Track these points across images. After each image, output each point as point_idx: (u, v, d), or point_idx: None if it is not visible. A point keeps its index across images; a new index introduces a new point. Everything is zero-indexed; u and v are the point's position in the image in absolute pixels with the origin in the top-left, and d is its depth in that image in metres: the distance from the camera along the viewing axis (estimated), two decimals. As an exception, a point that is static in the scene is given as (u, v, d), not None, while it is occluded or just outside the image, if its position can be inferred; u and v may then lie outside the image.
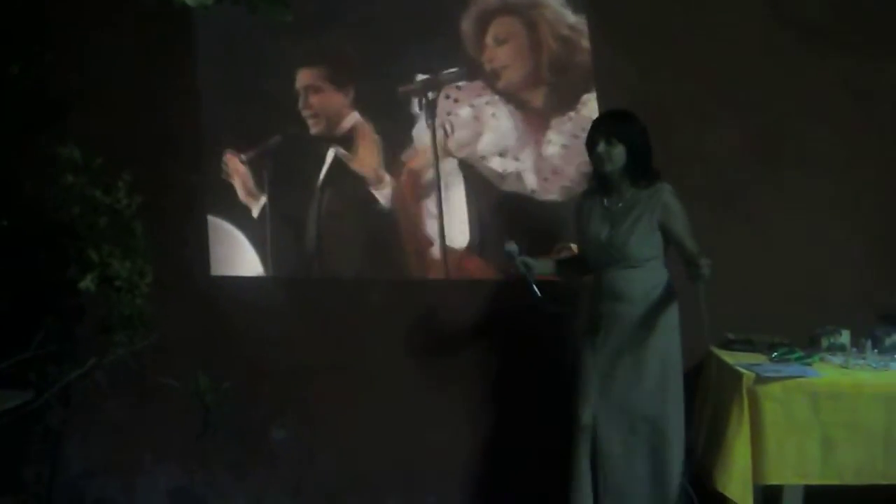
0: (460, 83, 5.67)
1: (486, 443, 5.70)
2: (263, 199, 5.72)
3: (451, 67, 5.67)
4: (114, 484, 5.76)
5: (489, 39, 5.67)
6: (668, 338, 4.82)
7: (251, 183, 5.71)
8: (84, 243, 4.67)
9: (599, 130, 4.85)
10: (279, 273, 5.77)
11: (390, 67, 5.69)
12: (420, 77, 5.68)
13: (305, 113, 5.73)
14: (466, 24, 5.67)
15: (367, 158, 5.71)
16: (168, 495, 5.78)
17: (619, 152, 4.79)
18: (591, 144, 4.88)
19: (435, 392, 5.67)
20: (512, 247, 4.89)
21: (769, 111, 5.54)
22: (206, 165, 5.74)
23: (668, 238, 4.81)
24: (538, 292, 4.87)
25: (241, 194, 5.72)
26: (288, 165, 5.75)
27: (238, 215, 5.75)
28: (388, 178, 5.70)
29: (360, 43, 5.69)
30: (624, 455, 4.81)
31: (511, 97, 5.68)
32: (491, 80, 5.68)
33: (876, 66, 5.49)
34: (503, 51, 5.68)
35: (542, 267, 4.98)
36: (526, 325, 5.47)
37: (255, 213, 5.73)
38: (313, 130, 5.73)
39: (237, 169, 5.71)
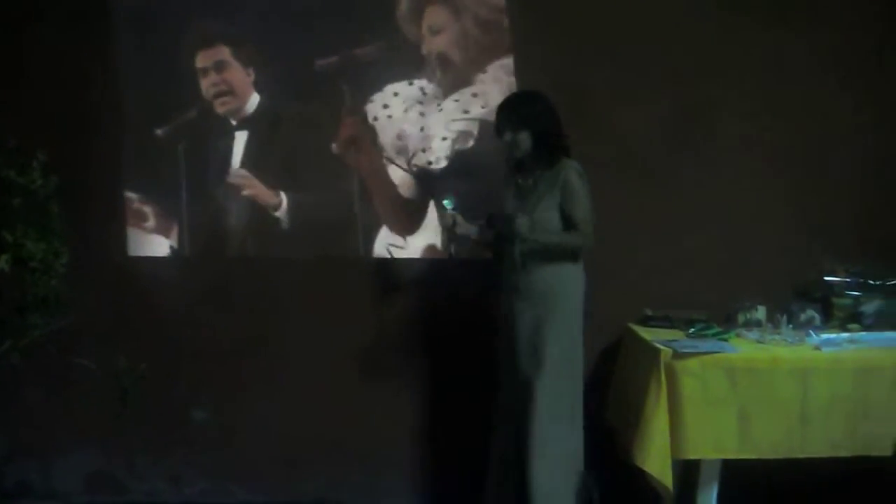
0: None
1: (411, 419, 5.71)
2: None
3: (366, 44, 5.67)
4: (32, 466, 5.72)
5: (425, 29, 5.67)
6: (568, 314, 4.90)
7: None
8: (-3, 224, 4.62)
9: (502, 119, 4.94)
10: (195, 252, 5.73)
11: (306, 45, 5.68)
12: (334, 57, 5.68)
13: (210, 91, 5.71)
14: (402, 9, 5.67)
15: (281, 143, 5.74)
16: (86, 477, 5.74)
17: (523, 138, 4.89)
18: (497, 132, 4.98)
19: (354, 370, 5.66)
20: (450, 199, 4.96)
21: (687, 87, 5.55)
22: (124, 143, 5.68)
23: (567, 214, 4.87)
24: (452, 249, 5.00)
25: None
26: (203, 142, 5.72)
27: (155, 193, 5.71)
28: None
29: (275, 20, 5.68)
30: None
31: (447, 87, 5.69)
32: (429, 67, 5.68)
33: (796, 38, 5.51)
34: (439, 40, 5.68)
35: (468, 228, 5.00)
36: (447, 300, 5.58)
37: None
38: (220, 108, 5.72)
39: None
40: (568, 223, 4.84)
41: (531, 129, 4.87)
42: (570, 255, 4.89)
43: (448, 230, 4.95)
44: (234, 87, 5.70)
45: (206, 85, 5.70)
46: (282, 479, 5.70)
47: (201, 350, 5.64)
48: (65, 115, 5.56)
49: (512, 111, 4.93)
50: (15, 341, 4.78)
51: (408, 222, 5.71)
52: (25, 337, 4.76)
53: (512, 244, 4.88)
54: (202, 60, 5.70)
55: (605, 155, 5.31)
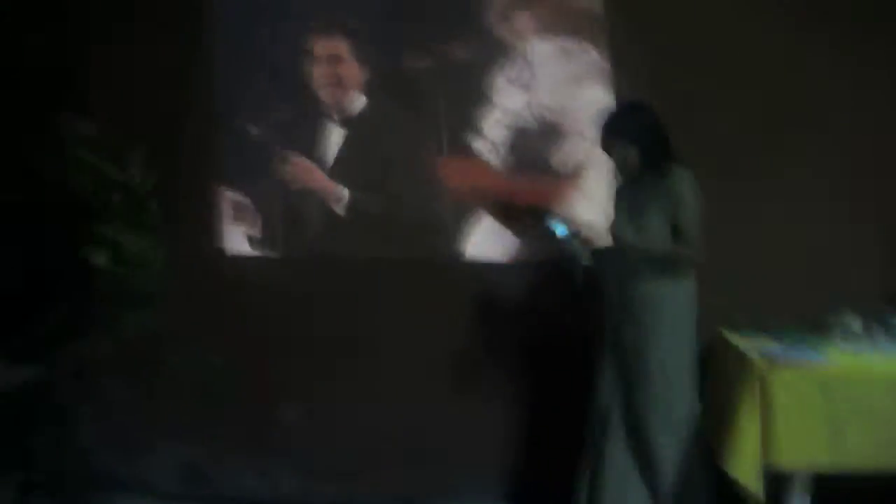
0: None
1: (500, 425, 5.72)
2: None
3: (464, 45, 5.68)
4: (123, 460, 5.78)
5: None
6: (677, 327, 4.87)
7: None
8: (97, 220, 4.69)
9: (607, 136, 4.87)
10: (289, 251, 5.79)
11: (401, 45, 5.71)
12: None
13: (322, 81, 5.73)
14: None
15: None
16: (178, 472, 5.81)
17: (631, 154, 4.81)
18: (604, 148, 4.91)
19: (446, 372, 5.69)
20: (563, 226, 4.90)
21: (772, 92, 5.51)
22: (222, 140, 5.75)
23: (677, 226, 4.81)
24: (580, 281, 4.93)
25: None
26: (297, 141, 5.76)
27: (252, 191, 5.77)
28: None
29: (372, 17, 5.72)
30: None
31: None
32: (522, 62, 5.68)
33: (878, 43, 5.46)
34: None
35: (581, 251, 4.96)
36: (545, 308, 5.56)
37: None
38: (327, 98, 5.74)
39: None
40: (677, 236, 4.78)
41: (639, 144, 4.79)
42: (678, 268, 4.83)
43: (570, 260, 4.90)
44: (345, 82, 5.72)
45: (318, 74, 5.74)
46: (370, 479, 5.74)
47: (293, 349, 5.69)
48: (161, 112, 5.59)
49: (616, 127, 4.85)
50: (110, 335, 4.86)
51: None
52: (121, 331, 4.84)
53: (620, 257, 4.88)
54: (317, 49, 5.73)
55: (697, 159, 5.27)
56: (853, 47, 5.45)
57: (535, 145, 5.67)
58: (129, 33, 5.62)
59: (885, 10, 5.45)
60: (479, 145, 5.66)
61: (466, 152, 5.66)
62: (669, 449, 4.83)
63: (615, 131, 4.84)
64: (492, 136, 5.66)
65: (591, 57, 5.61)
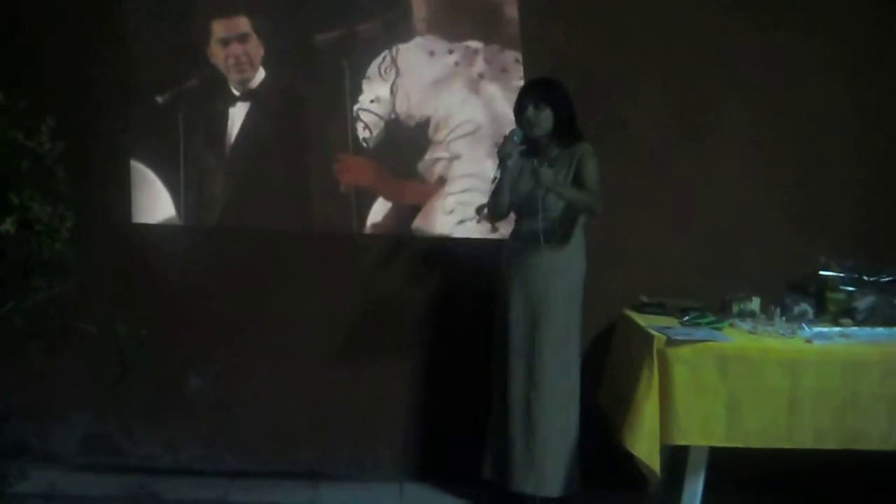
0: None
1: (405, 395, 5.78)
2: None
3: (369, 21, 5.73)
4: (29, 427, 5.76)
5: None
6: (568, 282, 5.06)
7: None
8: (5, 186, 4.65)
9: (528, 96, 5.09)
10: (195, 221, 5.79)
11: (306, 18, 5.73)
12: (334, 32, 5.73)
13: (229, 62, 5.73)
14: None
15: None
16: (82, 440, 5.81)
17: (545, 116, 5.04)
18: (519, 109, 5.09)
19: (351, 343, 5.73)
20: (519, 133, 5.04)
21: (691, 83, 5.61)
22: (131, 111, 5.72)
23: (576, 185, 5.00)
24: (498, 173, 5.00)
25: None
26: (203, 110, 5.77)
27: (157, 160, 5.75)
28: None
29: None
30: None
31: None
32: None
33: (796, 39, 5.58)
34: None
35: (515, 163, 5.10)
36: (441, 281, 5.65)
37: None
38: (235, 77, 5.75)
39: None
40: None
41: (554, 109, 5.03)
42: (578, 228, 5.05)
43: (506, 158, 4.97)
44: (252, 59, 5.74)
45: (225, 54, 5.74)
46: (275, 450, 5.78)
47: (200, 319, 5.71)
48: (73, 81, 5.61)
49: (539, 89, 5.08)
50: (17, 303, 4.82)
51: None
52: (28, 299, 4.80)
53: (533, 218, 5.01)
54: (223, 30, 5.73)
55: (608, 143, 5.35)
56: (770, 36, 5.61)
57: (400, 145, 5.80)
58: (43, 3, 5.58)
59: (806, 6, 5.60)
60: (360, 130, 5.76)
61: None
62: (554, 417, 5.02)
63: (534, 93, 5.08)
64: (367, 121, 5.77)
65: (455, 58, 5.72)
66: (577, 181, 5.00)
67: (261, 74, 5.75)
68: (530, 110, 5.04)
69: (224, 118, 5.76)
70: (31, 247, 4.70)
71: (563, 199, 4.97)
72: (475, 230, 5.68)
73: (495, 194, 5.14)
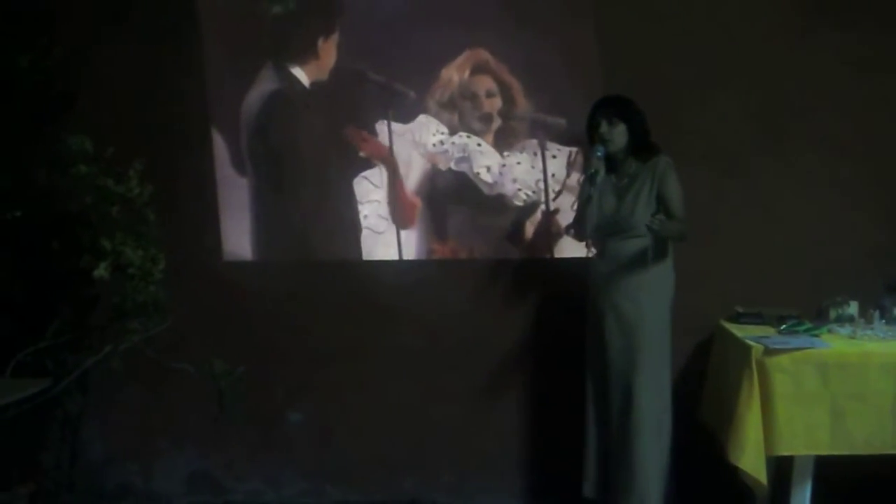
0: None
1: (505, 420, 5.74)
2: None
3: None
4: (132, 468, 5.84)
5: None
6: (659, 302, 5.01)
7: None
8: (97, 232, 4.73)
9: (600, 112, 5.06)
10: (277, 256, 5.83)
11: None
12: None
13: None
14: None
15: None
16: (186, 478, 5.85)
17: (619, 131, 5.02)
18: (591, 126, 5.08)
19: (447, 372, 5.70)
20: (602, 149, 4.99)
21: (770, 86, 5.54)
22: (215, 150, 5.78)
23: (663, 205, 4.98)
24: (591, 192, 4.93)
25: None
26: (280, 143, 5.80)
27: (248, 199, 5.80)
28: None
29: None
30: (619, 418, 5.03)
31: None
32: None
33: (877, 40, 5.48)
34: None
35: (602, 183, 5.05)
36: (533, 303, 5.63)
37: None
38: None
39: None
40: (667, 214, 4.92)
41: (628, 123, 5.01)
42: (667, 245, 5.00)
43: (594, 176, 4.92)
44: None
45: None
46: (377, 479, 5.77)
47: (295, 352, 5.74)
48: (158, 124, 5.64)
49: (611, 105, 5.05)
50: (115, 346, 4.90)
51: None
52: (125, 342, 4.87)
53: (620, 238, 5.00)
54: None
55: (691, 154, 5.31)
56: (850, 38, 5.48)
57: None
58: (123, 49, 5.65)
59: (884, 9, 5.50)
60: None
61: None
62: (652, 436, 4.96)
63: (606, 108, 5.05)
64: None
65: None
66: (661, 198, 4.96)
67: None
68: (603, 126, 5.02)
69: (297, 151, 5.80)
70: (125, 290, 4.78)
71: (671, 241, 4.98)
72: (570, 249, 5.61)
73: (583, 213, 5.09)
